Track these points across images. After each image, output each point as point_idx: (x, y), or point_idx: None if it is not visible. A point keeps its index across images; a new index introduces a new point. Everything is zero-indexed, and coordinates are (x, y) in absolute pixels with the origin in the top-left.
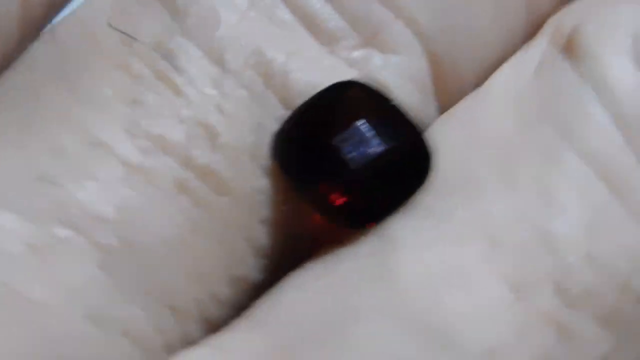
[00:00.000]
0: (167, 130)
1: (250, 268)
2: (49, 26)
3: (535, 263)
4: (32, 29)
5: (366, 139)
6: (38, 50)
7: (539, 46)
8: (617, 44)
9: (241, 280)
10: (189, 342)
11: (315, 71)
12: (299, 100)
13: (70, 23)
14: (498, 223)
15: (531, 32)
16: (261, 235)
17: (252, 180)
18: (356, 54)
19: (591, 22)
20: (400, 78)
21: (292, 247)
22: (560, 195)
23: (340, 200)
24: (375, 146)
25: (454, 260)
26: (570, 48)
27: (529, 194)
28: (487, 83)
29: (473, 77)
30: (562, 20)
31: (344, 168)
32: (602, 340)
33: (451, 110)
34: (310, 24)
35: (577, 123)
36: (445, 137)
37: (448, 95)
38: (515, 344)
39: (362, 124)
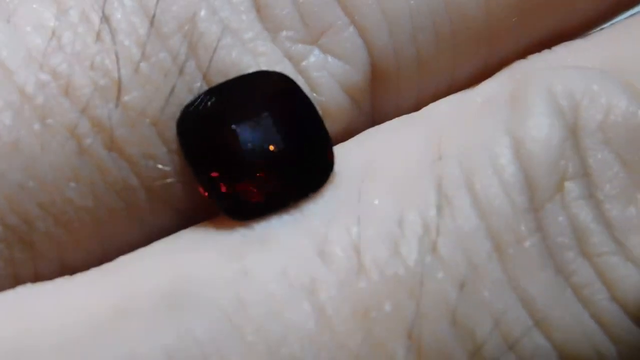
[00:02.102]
0: (74, 72)
1: (124, 229)
2: None
3: (389, 299)
4: None
5: (268, 133)
6: None
7: (483, 91)
8: (555, 110)
9: (111, 237)
10: (39, 279)
11: (247, 53)
12: (220, 79)
13: None
14: (365, 246)
15: (489, 72)
16: (140, 200)
17: (145, 145)
18: (297, 47)
19: (537, 85)
20: (335, 82)
21: (175, 220)
22: (440, 244)
23: (226, 188)
24: (274, 143)
25: (303, 276)
26: (512, 98)
27: (409, 230)
28: (423, 109)
29: (414, 101)
30: (515, 73)
31: (240, 158)
32: None
33: (371, 130)
34: (260, 5)
35: (485, 173)
36: (352, 154)
37: (384, 113)
38: None
39: (267, 117)
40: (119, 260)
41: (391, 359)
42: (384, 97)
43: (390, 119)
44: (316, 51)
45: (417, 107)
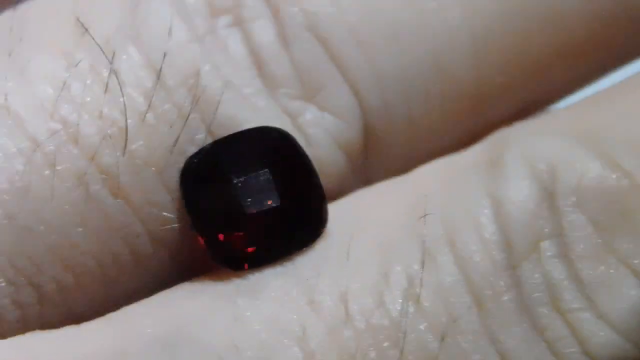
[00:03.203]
0: (83, 121)
1: (127, 274)
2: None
3: (376, 349)
4: None
5: (267, 189)
6: None
7: (470, 157)
8: (533, 175)
9: (114, 282)
10: (46, 325)
11: (247, 109)
12: (222, 131)
13: (35, 3)
14: (354, 299)
15: (477, 136)
16: (144, 246)
17: (150, 193)
18: (294, 103)
19: (514, 152)
20: (330, 138)
21: (175, 267)
22: (423, 295)
23: (223, 239)
24: (272, 198)
25: (295, 324)
26: (491, 163)
27: (394, 285)
28: (414, 172)
29: (403, 160)
30: (501, 140)
31: (238, 211)
32: None
33: (362, 191)
34: (261, 63)
35: (465, 234)
36: (343, 212)
37: (376, 169)
38: None
39: (266, 173)
40: (123, 309)
41: None
42: (376, 154)
43: (381, 176)
44: (312, 108)
45: (407, 166)
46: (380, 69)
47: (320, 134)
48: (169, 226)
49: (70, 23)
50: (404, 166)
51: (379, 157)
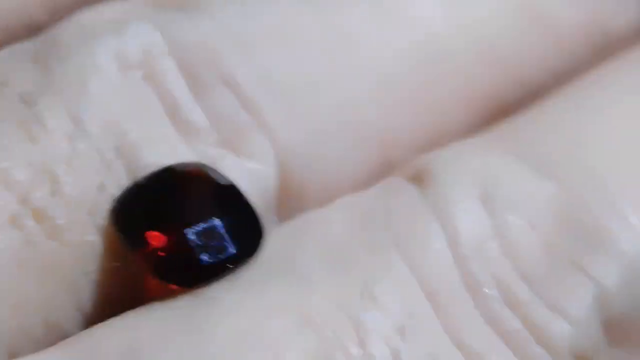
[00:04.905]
0: (13, 167)
1: (68, 317)
2: None
3: (341, 349)
4: None
5: (201, 209)
6: None
7: (388, 180)
8: (464, 176)
9: (56, 325)
10: None
11: (168, 153)
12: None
13: None
14: (314, 306)
15: (383, 175)
16: (83, 288)
17: (85, 233)
18: (212, 150)
19: (441, 156)
20: (248, 182)
21: (115, 307)
22: (383, 296)
23: (162, 253)
24: (208, 216)
25: (260, 329)
26: (419, 176)
27: (351, 288)
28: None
29: (317, 200)
30: (416, 161)
31: (172, 230)
32: None
33: (293, 220)
34: (174, 113)
35: (412, 237)
36: (281, 231)
37: (289, 210)
38: None
39: (198, 196)
40: (80, 333)
41: None
42: (289, 197)
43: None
44: (229, 154)
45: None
46: (296, 114)
47: (240, 179)
48: (108, 266)
49: None
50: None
51: (293, 201)
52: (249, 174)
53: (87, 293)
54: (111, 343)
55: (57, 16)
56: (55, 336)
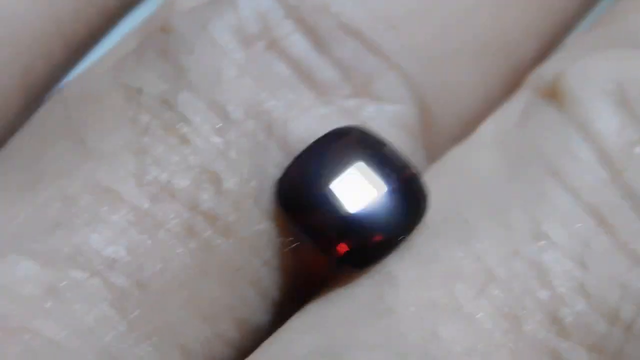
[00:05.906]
0: (175, 177)
1: (256, 310)
2: (55, 90)
3: (529, 295)
4: (34, 97)
5: (363, 183)
6: (46, 111)
7: (522, 96)
8: (600, 88)
9: (247, 322)
10: None
11: (312, 119)
12: (299, 147)
13: (76, 84)
14: (491, 259)
15: (513, 85)
16: (265, 278)
17: (255, 223)
18: (350, 103)
19: (574, 69)
20: (392, 126)
21: (299, 289)
22: (551, 230)
23: (342, 248)
24: (372, 189)
25: (446, 296)
26: (554, 93)
27: (520, 231)
28: (474, 133)
29: (458, 125)
30: (544, 71)
31: (342, 213)
32: None
33: (441, 160)
34: (305, 75)
35: (563, 161)
36: (436, 184)
37: (433, 141)
38: None
39: (358, 168)
40: (269, 339)
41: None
42: (431, 128)
43: (440, 149)
44: (367, 102)
45: (461, 133)
46: (416, 45)
47: (383, 124)
48: (283, 251)
49: (120, 94)
50: (460, 134)
51: (435, 131)
52: (393, 117)
53: (269, 281)
54: (305, 344)
55: (93, 27)
56: (247, 332)
